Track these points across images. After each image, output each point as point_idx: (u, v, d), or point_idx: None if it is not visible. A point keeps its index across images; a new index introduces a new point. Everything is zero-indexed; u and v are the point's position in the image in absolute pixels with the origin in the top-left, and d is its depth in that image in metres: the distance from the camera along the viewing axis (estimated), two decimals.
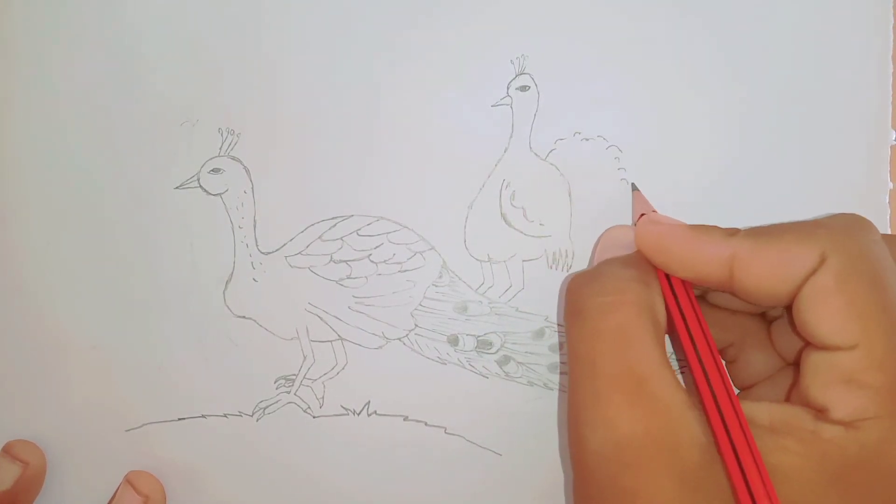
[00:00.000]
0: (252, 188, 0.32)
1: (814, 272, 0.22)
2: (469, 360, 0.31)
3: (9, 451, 0.31)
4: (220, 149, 0.32)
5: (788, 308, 0.24)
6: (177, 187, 0.32)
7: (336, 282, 0.32)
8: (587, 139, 0.31)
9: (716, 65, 0.31)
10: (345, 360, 0.32)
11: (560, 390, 0.31)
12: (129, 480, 0.31)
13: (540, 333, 0.31)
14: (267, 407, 0.32)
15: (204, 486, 0.32)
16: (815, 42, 0.31)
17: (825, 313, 0.22)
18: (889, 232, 0.31)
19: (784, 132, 0.31)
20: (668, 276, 0.25)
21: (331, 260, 0.32)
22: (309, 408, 0.32)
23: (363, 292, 0.32)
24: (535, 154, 0.31)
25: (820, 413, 0.22)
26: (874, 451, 0.21)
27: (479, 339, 0.31)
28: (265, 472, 0.32)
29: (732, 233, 0.24)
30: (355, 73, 0.32)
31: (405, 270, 0.32)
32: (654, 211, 0.28)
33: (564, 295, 0.25)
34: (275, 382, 0.32)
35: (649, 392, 0.22)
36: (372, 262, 0.31)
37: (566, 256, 0.31)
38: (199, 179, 0.32)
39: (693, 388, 0.23)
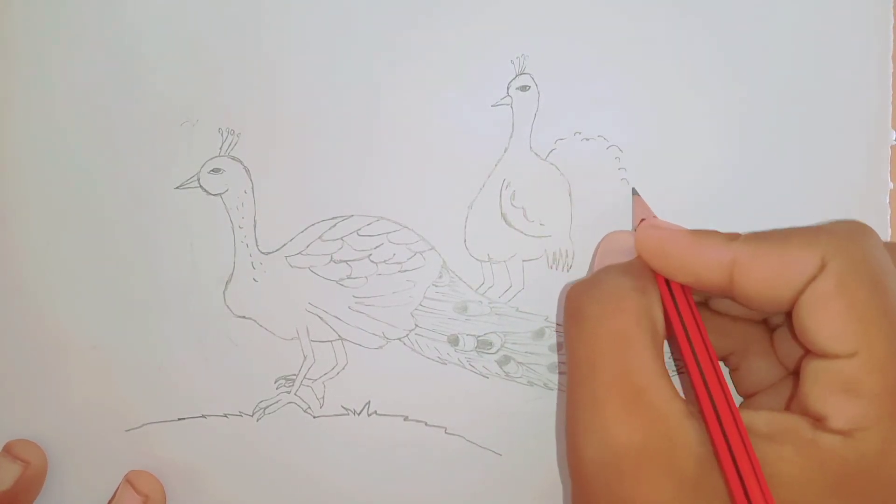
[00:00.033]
0: (252, 188, 0.32)
1: (814, 278, 0.22)
2: (469, 360, 0.31)
3: (9, 450, 0.31)
4: (220, 149, 0.32)
5: (789, 315, 0.23)
6: (177, 187, 0.32)
7: (336, 282, 0.32)
8: (587, 139, 0.31)
9: (716, 65, 0.31)
10: (345, 360, 0.32)
11: (560, 390, 0.31)
12: (128, 480, 0.31)
13: (540, 333, 0.31)
14: (267, 407, 0.32)
15: (204, 486, 0.32)
16: (815, 42, 0.31)
17: (825, 319, 0.22)
18: (889, 232, 0.31)
19: (784, 132, 0.31)
20: (667, 282, 0.25)
21: (331, 260, 0.32)
22: (309, 408, 0.32)
23: (363, 292, 0.32)
24: (536, 154, 0.31)
25: (818, 422, 0.22)
26: (873, 460, 0.21)
27: (480, 339, 0.31)
28: (265, 472, 0.32)
29: (733, 237, 0.24)
30: (355, 73, 0.32)
31: (405, 270, 0.32)
32: (654, 216, 0.28)
33: (564, 302, 0.25)
34: (275, 382, 0.32)
35: (647, 401, 0.22)
36: (372, 262, 0.31)
37: (566, 256, 0.31)
38: (199, 179, 0.32)
39: (692, 395, 0.23)
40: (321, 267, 0.32)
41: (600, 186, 0.31)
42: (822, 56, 0.31)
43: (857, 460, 0.21)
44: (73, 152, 0.32)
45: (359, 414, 0.32)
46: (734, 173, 0.31)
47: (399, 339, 0.32)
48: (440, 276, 0.31)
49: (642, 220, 0.28)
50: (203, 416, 0.32)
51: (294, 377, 0.32)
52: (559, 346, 0.31)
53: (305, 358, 0.32)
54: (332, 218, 0.32)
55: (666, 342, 0.28)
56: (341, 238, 0.32)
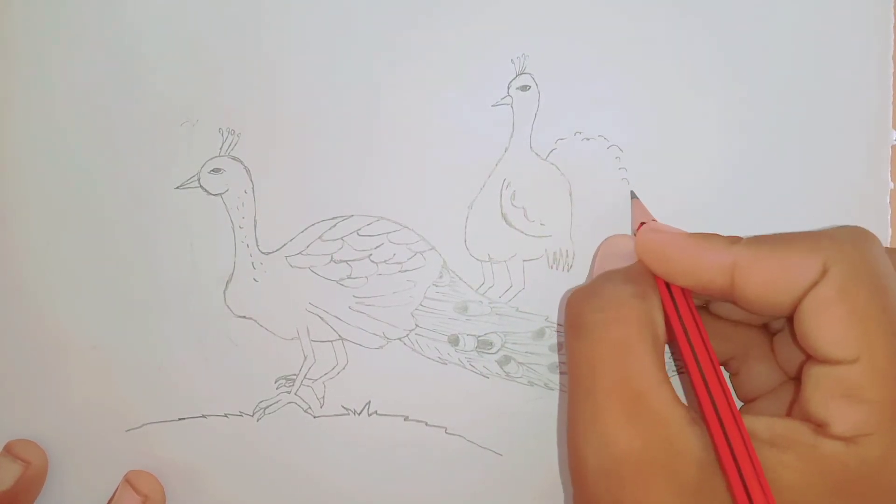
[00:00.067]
0: (252, 188, 0.32)
1: (816, 284, 0.22)
2: (469, 360, 0.31)
3: (10, 450, 0.31)
4: (221, 149, 0.32)
5: (790, 320, 0.23)
6: (177, 187, 0.32)
7: (336, 282, 0.32)
8: (588, 139, 0.31)
9: (716, 64, 0.31)
10: (345, 360, 0.32)
11: (560, 390, 0.31)
12: (128, 480, 0.31)
13: (540, 333, 0.31)
14: (267, 407, 0.32)
15: (204, 486, 0.32)
16: (815, 42, 0.31)
17: (826, 325, 0.22)
18: (889, 232, 0.31)
19: (784, 132, 0.31)
20: (668, 286, 0.25)
21: (331, 260, 0.32)
22: (309, 408, 0.32)
23: (363, 292, 0.32)
24: (536, 154, 0.31)
25: (820, 428, 0.22)
26: (875, 466, 0.21)
27: (480, 339, 0.31)
28: (265, 472, 0.32)
29: (734, 241, 0.24)
30: (355, 73, 0.32)
31: (405, 270, 0.32)
32: (653, 219, 0.28)
33: (565, 310, 0.25)
34: (275, 382, 0.32)
35: (648, 408, 0.22)
36: (372, 262, 0.31)
37: (567, 256, 0.31)
38: (199, 179, 0.32)
39: (693, 397, 0.23)
40: (321, 267, 0.32)
41: (601, 186, 0.31)
42: (822, 56, 0.31)
43: (858, 466, 0.21)
44: (73, 152, 0.32)
45: (359, 414, 0.32)
46: (734, 173, 0.31)
47: (399, 339, 0.32)
48: (440, 276, 0.31)
49: (642, 223, 0.28)
50: (203, 416, 0.32)
51: (294, 377, 0.32)
52: (559, 346, 0.31)
53: (306, 358, 0.32)
54: (333, 218, 0.32)
55: (667, 344, 0.28)
56: (341, 238, 0.32)
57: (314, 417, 0.32)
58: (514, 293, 0.31)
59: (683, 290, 0.25)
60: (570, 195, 0.31)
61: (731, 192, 0.31)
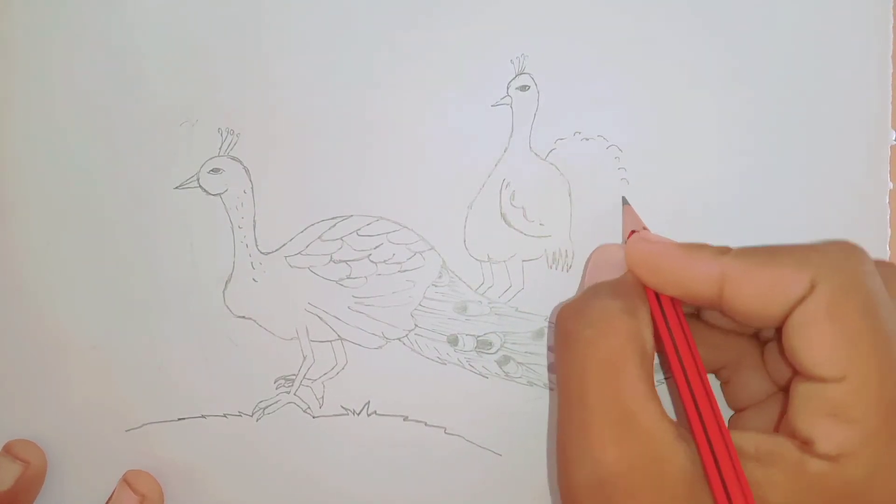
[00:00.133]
0: (252, 188, 0.32)
1: (804, 299, 0.22)
2: (469, 360, 0.31)
3: (9, 450, 0.31)
4: (220, 149, 0.32)
5: (779, 330, 0.23)
6: (177, 187, 0.32)
7: (336, 282, 0.32)
8: (587, 139, 0.31)
9: (716, 65, 0.31)
10: (345, 360, 0.32)
11: None
12: (126, 480, 0.31)
13: (540, 333, 0.31)
14: (267, 407, 0.32)
15: (204, 486, 0.32)
16: (816, 42, 0.31)
17: (813, 343, 0.22)
18: (889, 232, 0.31)
19: (784, 132, 0.31)
20: (657, 296, 0.25)
21: (331, 260, 0.32)
22: (309, 408, 0.32)
23: (363, 292, 0.32)
24: (536, 154, 0.31)
25: (806, 445, 0.22)
26: (859, 487, 0.21)
27: (479, 339, 0.31)
28: (265, 472, 0.32)
29: (723, 251, 0.24)
30: (355, 73, 0.32)
31: (405, 270, 0.32)
32: (644, 227, 0.28)
33: (555, 325, 0.25)
34: (275, 382, 0.32)
35: (636, 424, 0.22)
36: (372, 262, 0.31)
37: (566, 256, 0.31)
38: (198, 179, 0.32)
39: (681, 409, 0.23)
40: (321, 267, 0.32)
41: (600, 186, 0.31)
42: (822, 56, 0.31)
43: (842, 487, 0.21)
44: (73, 152, 0.32)
45: (358, 414, 0.32)
46: (734, 173, 0.31)
47: (399, 339, 0.32)
48: (440, 276, 0.31)
49: (633, 231, 0.28)
50: (203, 416, 0.32)
51: (294, 377, 0.32)
52: None
53: (305, 358, 0.32)
54: (332, 218, 0.32)
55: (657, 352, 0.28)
56: (341, 238, 0.32)
57: (313, 417, 0.32)
58: (513, 293, 0.31)
59: (673, 300, 0.25)
60: (570, 195, 0.31)
61: (731, 191, 0.31)
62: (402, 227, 0.31)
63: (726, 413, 0.29)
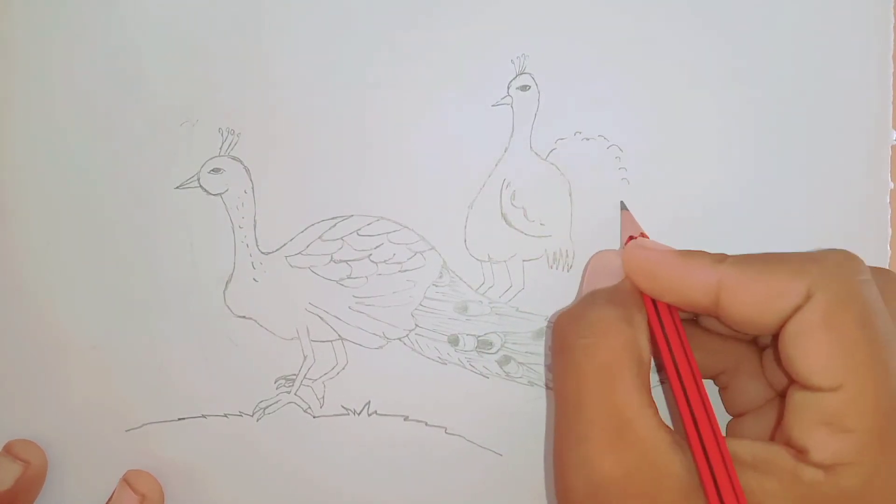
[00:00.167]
0: (252, 188, 0.32)
1: (800, 308, 0.22)
2: (469, 360, 0.31)
3: (10, 450, 0.31)
4: (220, 149, 0.32)
5: (775, 337, 0.24)
6: (177, 187, 0.32)
7: (336, 282, 0.32)
8: (588, 139, 0.31)
9: (716, 65, 0.31)
10: (345, 360, 0.32)
11: None
12: (126, 480, 0.31)
13: (540, 333, 0.31)
14: (267, 407, 0.32)
15: (204, 486, 0.32)
16: (816, 42, 0.31)
17: (809, 352, 0.22)
18: (889, 232, 0.31)
19: (784, 132, 0.31)
20: (654, 302, 0.25)
21: (331, 260, 0.32)
22: (309, 408, 0.32)
23: (363, 292, 0.32)
24: (536, 154, 0.31)
25: (801, 453, 0.22)
26: (854, 496, 0.21)
27: (480, 339, 0.31)
28: (265, 472, 0.32)
29: (720, 259, 0.24)
30: (355, 73, 0.32)
31: (405, 270, 0.32)
32: (642, 232, 0.28)
33: (552, 332, 0.25)
34: (275, 382, 0.32)
35: (632, 433, 0.22)
36: (372, 261, 0.31)
37: (566, 256, 0.31)
38: (199, 179, 0.32)
39: (678, 415, 0.23)
40: (321, 267, 0.32)
41: (601, 186, 0.31)
42: (822, 56, 0.31)
43: (837, 496, 0.21)
44: (73, 152, 0.32)
45: (359, 414, 0.32)
46: (734, 173, 0.31)
47: (399, 339, 0.32)
48: (440, 276, 0.31)
49: (630, 236, 0.28)
50: (203, 416, 0.32)
51: (294, 377, 0.32)
52: None
53: (305, 358, 0.32)
54: (332, 218, 0.32)
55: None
56: (341, 238, 0.32)
57: (314, 417, 0.32)
58: (513, 293, 0.31)
59: (670, 307, 0.25)
60: (570, 195, 0.31)
61: (731, 191, 0.31)
62: (402, 227, 0.31)
63: (724, 419, 0.29)
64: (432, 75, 0.31)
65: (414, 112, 0.31)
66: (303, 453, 0.32)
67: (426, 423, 0.31)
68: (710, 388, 0.29)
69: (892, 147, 0.31)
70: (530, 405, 0.31)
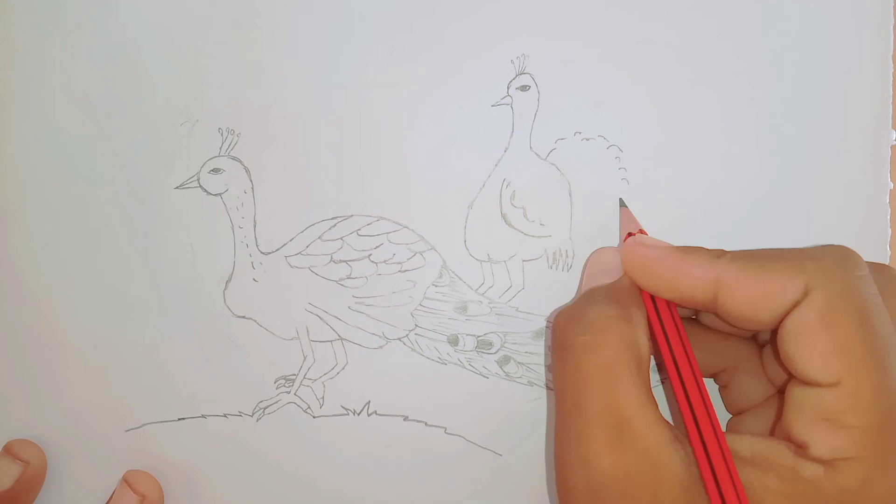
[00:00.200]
0: (252, 188, 0.32)
1: (797, 304, 0.22)
2: (469, 360, 0.31)
3: (9, 450, 0.31)
4: (220, 149, 0.32)
5: (774, 332, 0.24)
6: (177, 187, 0.32)
7: (336, 282, 0.32)
8: (588, 139, 0.31)
9: (716, 64, 0.31)
10: (345, 360, 0.32)
11: None
12: (125, 480, 0.31)
13: (540, 333, 0.31)
14: (267, 407, 0.32)
15: (204, 487, 0.32)
16: (816, 42, 0.31)
17: (807, 348, 0.22)
18: (889, 232, 0.31)
19: (784, 132, 0.31)
20: (653, 299, 0.25)
21: (331, 260, 0.32)
22: (309, 408, 0.32)
23: (363, 292, 0.32)
24: (536, 154, 0.31)
25: (800, 449, 0.22)
26: (853, 491, 0.21)
27: (480, 339, 0.31)
28: (265, 472, 0.32)
29: (719, 255, 0.24)
30: (355, 73, 0.32)
31: (405, 270, 0.32)
32: (640, 229, 0.28)
33: (551, 331, 0.25)
34: (275, 382, 0.32)
35: (631, 431, 0.22)
36: (372, 262, 0.31)
37: (566, 256, 0.31)
38: (199, 179, 0.32)
39: (678, 412, 0.23)
40: (321, 267, 0.32)
41: (600, 186, 0.31)
42: (822, 56, 0.31)
43: (836, 491, 0.21)
44: (73, 152, 0.32)
45: (359, 414, 0.32)
46: (734, 173, 0.31)
47: (399, 339, 0.32)
48: (440, 276, 0.31)
49: (629, 234, 0.28)
50: (203, 416, 0.32)
51: (294, 377, 0.32)
52: None
53: (305, 358, 0.32)
54: (332, 218, 0.32)
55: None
56: (341, 238, 0.32)
57: (314, 417, 0.32)
58: (513, 293, 0.31)
59: (669, 304, 0.25)
60: (570, 195, 0.31)
61: (731, 191, 0.31)
62: (402, 227, 0.31)
63: (724, 418, 0.29)
64: (432, 75, 0.31)
65: (414, 112, 0.31)
66: (303, 453, 0.32)
67: (426, 424, 0.31)
68: (710, 387, 0.29)
69: (892, 147, 0.31)
70: (530, 405, 0.31)
